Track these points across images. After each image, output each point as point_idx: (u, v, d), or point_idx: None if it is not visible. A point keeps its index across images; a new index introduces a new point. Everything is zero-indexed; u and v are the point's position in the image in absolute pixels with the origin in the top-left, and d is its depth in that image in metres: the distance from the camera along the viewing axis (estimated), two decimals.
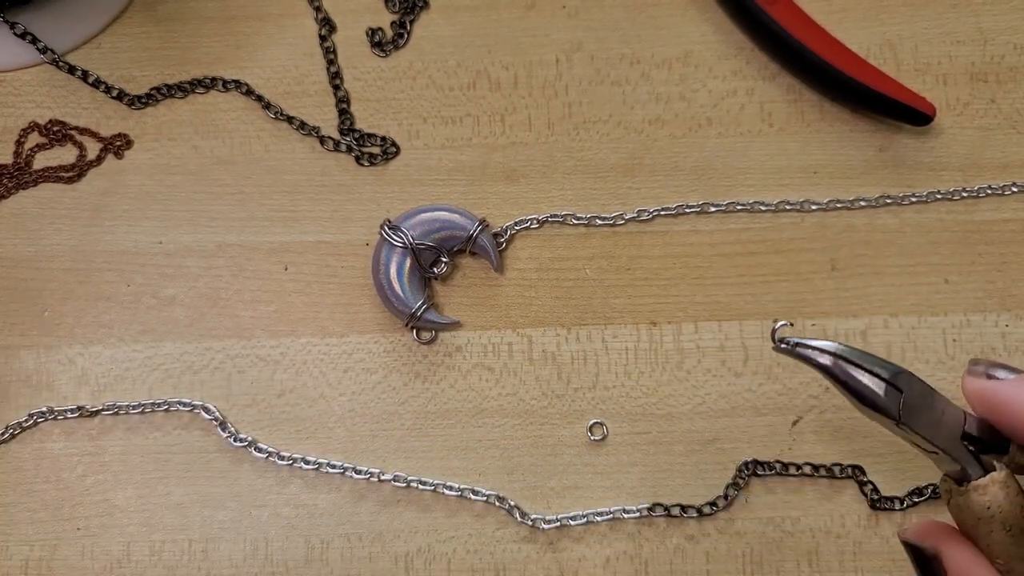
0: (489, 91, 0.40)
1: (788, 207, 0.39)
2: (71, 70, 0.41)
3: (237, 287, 0.38)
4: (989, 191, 0.39)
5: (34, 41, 0.41)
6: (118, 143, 0.40)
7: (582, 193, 0.39)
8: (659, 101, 0.40)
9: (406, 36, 0.41)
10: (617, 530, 0.35)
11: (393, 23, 0.42)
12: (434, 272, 0.37)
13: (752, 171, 0.39)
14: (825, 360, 0.25)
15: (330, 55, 0.41)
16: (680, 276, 0.38)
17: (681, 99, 0.40)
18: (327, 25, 0.41)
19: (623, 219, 0.38)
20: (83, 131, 0.40)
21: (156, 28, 0.42)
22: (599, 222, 0.38)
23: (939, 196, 0.39)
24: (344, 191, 0.39)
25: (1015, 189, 0.39)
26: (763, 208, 0.39)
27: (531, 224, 0.38)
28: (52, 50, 0.41)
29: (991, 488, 0.24)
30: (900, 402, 0.25)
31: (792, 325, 0.30)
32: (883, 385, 0.25)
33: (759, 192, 0.39)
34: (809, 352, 0.25)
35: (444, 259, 0.37)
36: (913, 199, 0.39)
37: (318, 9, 0.42)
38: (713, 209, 0.39)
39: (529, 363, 0.37)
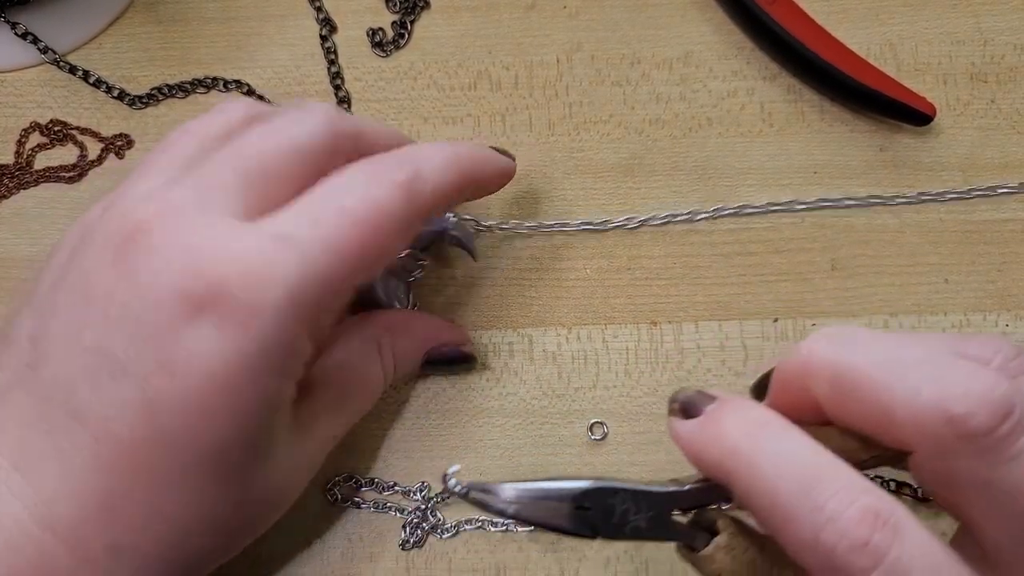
0: (490, 91, 0.41)
1: (788, 207, 0.39)
2: (72, 70, 0.41)
3: None
4: (989, 191, 0.39)
5: (35, 41, 0.41)
6: (119, 143, 0.40)
7: (582, 193, 0.39)
8: (659, 101, 0.40)
9: (407, 36, 0.41)
10: None
11: (394, 23, 0.42)
12: (415, 275, 0.37)
13: (752, 171, 0.39)
14: (501, 506, 0.24)
15: (331, 55, 0.41)
16: (680, 276, 0.38)
17: (681, 99, 0.40)
18: (328, 25, 0.41)
19: (623, 219, 0.38)
20: (84, 131, 0.40)
21: (157, 28, 0.42)
22: (599, 222, 0.39)
23: (939, 196, 0.39)
24: None
25: (1015, 189, 0.39)
26: (763, 208, 0.39)
27: (531, 224, 0.39)
28: (53, 50, 0.41)
29: (717, 555, 0.24)
30: (591, 520, 0.24)
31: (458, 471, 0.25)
32: (568, 510, 0.24)
33: (759, 192, 0.39)
34: (484, 498, 0.24)
35: (421, 260, 0.37)
36: (913, 199, 0.39)
37: (319, 9, 0.42)
38: (713, 209, 0.39)
39: (529, 363, 0.37)
